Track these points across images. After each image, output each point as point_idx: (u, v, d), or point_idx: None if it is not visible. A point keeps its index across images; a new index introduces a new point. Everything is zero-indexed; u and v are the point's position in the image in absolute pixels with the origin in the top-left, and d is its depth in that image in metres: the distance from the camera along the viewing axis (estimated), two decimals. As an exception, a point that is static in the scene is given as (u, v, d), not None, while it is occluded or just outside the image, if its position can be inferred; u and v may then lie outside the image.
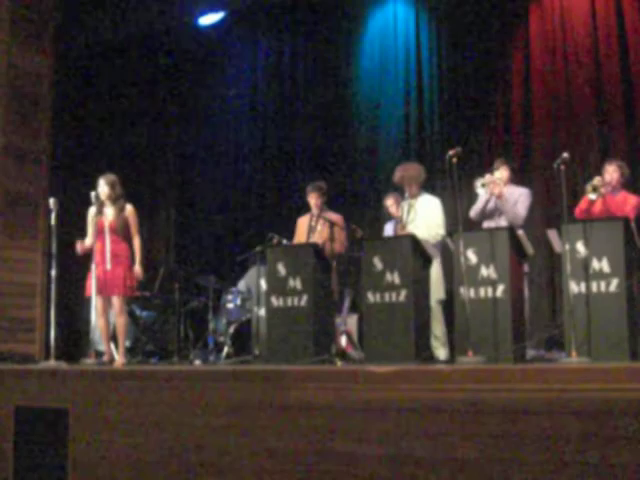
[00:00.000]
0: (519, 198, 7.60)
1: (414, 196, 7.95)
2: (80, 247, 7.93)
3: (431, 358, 7.03)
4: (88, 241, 7.98)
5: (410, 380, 5.26)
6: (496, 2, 10.61)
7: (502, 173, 7.74)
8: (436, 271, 7.61)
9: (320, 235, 8.31)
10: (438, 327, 7.65)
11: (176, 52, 12.93)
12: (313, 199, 8.53)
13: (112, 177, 8.03)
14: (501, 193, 7.52)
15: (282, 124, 12.33)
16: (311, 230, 8.47)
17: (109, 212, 7.96)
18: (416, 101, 11.19)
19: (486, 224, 7.65)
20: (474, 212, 7.74)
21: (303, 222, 8.62)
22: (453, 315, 6.60)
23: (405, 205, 8.00)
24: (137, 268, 7.97)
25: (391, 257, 6.83)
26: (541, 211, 9.26)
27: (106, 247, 7.88)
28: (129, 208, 8.02)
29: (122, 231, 7.96)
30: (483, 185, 7.49)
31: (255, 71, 12.72)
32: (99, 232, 7.91)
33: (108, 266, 7.86)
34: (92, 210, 7.99)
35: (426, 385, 5.17)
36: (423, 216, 7.83)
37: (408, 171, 8.02)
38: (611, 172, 7.47)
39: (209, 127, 12.94)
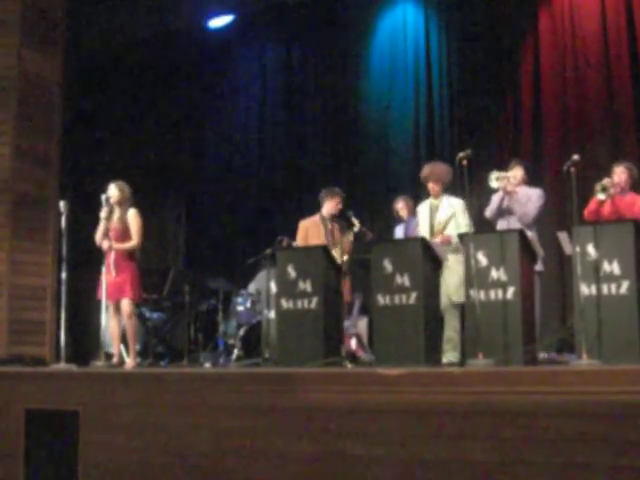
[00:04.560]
0: (531, 197, 7.59)
1: (437, 196, 7.87)
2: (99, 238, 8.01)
3: (439, 361, 6.99)
4: (99, 233, 8.01)
5: (420, 383, 5.25)
6: (506, 3, 10.60)
7: (516, 173, 7.73)
8: (459, 274, 7.32)
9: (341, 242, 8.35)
10: (452, 330, 7.47)
11: (186, 54, 12.95)
12: (336, 204, 8.56)
13: (122, 183, 8.07)
14: (511, 190, 7.51)
15: (291, 126, 12.34)
16: (329, 234, 8.47)
17: (115, 217, 7.99)
18: (426, 103, 11.19)
19: (499, 225, 7.63)
20: (489, 212, 7.72)
21: (314, 226, 8.60)
22: (464, 317, 6.59)
23: (426, 206, 7.91)
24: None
25: (401, 259, 6.82)
26: (551, 213, 9.22)
27: (110, 255, 7.90)
28: (131, 211, 8.03)
29: (125, 236, 7.97)
30: (497, 179, 7.44)
31: (264, 73, 12.73)
32: (109, 238, 7.93)
33: (113, 273, 7.87)
34: (105, 209, 7.99)
35: (436, 388, 5.16)
36: (452, 216, 7.72)
37: (436, 169, 7.90)
38: (619, 173, 7.46)
39: (219, 128, 12.95)
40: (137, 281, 8.01)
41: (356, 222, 8.18)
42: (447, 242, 7.47)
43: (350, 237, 8.34)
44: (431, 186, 7.85)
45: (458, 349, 7.48)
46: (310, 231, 8.53)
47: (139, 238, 8.00)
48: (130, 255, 7.99)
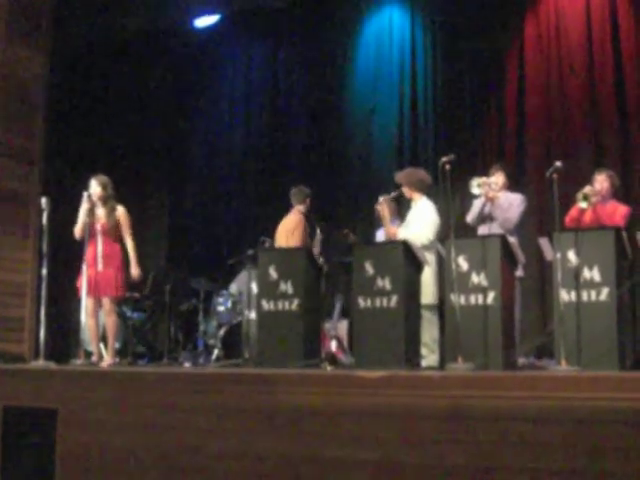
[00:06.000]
0: (513, 203, 7.61)
1: (412, 199, 7.95)
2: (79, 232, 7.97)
3: (418, 365, 6.98)
4: (78, 227, 7.99)
5: (399, 386, 5.26)
6: (491, 9, 10.63)
7: (498, 178, 7.76)
8: (427, 275, 7.43)
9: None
10: (427, 334, 7.41)
11: (171, 53, 12.92)
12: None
13: (104, 178, 8.07)
14: (493, 197, 7.54)
15: (276, 127, 12.33)
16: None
17: (100, 213, 7.98)
18: (410, 107, 11.20)
19: (481, 230, 7.65)
20: (471, 217, 7.76)
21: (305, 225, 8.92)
22: (444, 321, 6.59)
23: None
24: (134, 270, 8.04)
25: (382, 262, 6.82)
26: (533, 219, 9.26)
27: (98, 248, 7.89)
28: (120, 209, 8.05)
29: (113, 232, 7.99)
30: (479, 185, 7.47)
31: (249, 74, 12.71)
32: (91, 233, 7.91)
33: (99, 267, 7.86)
34: (84, 205, 7.97)
35: (415, 391, 5.17)
36: (415, 219, 7.80)
37: (404, 173, 8.09)
38: (601, 181, 7.49)
39: (203, 128, 12.93)
40: (123, 278, 8.02)
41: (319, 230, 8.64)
42: (391, 235, 7.82)
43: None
44: (403, 190, 7.99)
45: (436, 352, 7.50)
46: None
47: (132, 235, 8.08)
48: (119, 251, 8.00)
